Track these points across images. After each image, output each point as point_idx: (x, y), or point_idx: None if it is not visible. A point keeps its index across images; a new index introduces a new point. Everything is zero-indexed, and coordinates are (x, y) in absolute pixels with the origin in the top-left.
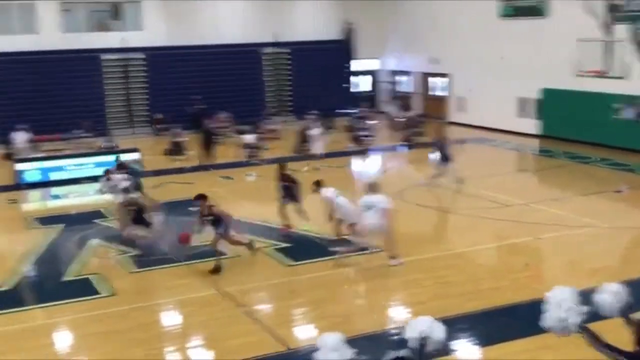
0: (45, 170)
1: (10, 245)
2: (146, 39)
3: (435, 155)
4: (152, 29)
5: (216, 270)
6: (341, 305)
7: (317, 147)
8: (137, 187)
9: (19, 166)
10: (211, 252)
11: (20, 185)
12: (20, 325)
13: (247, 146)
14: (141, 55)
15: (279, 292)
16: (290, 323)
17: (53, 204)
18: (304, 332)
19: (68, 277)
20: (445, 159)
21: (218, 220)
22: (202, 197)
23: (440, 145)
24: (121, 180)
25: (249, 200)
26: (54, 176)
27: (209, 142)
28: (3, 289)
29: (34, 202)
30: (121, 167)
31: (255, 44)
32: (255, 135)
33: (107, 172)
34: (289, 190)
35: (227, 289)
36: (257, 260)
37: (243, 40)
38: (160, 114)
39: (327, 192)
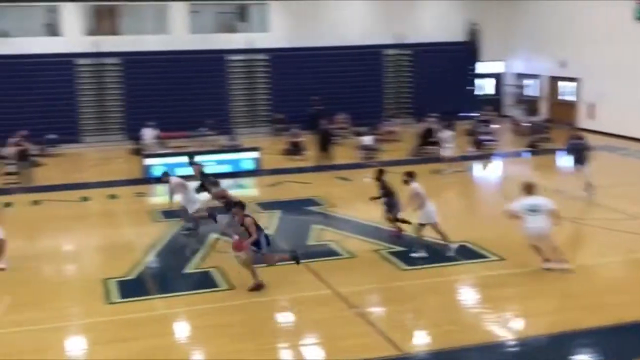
0: (171, 166)
1: (137, 237)
2: (270, 41)
3: (570, 160)
4: (277, 31)
5: (256, 288)
6: (456, 313)
7: (447, 150)
8: (214, 185)
9: (147, 161)
10: (327, 251)
11: (148, 180)
12: (143, 313)
13: (364, 148)
14: (265, 57)
15: (393, 295)
16: (404, 328)
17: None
18: (417, 338)
19: (189, 269)
20: (579, 161)
21: (248, 233)
22: (239, 206)
23: (575, 147)
24: (178, 184)
25: (364, 202)
26: (178, 172)
27: (326, 142)
28: (129, 278)
29: (160, 196)
30: (192, 162)
31: (376, 46)
32: (372, 136)
33: (165, 174)
34: (386, 199)
35: (340, 289)
36: (372, 263)
37: (365, 42)
38: (281, 114)
39: (418, 186)
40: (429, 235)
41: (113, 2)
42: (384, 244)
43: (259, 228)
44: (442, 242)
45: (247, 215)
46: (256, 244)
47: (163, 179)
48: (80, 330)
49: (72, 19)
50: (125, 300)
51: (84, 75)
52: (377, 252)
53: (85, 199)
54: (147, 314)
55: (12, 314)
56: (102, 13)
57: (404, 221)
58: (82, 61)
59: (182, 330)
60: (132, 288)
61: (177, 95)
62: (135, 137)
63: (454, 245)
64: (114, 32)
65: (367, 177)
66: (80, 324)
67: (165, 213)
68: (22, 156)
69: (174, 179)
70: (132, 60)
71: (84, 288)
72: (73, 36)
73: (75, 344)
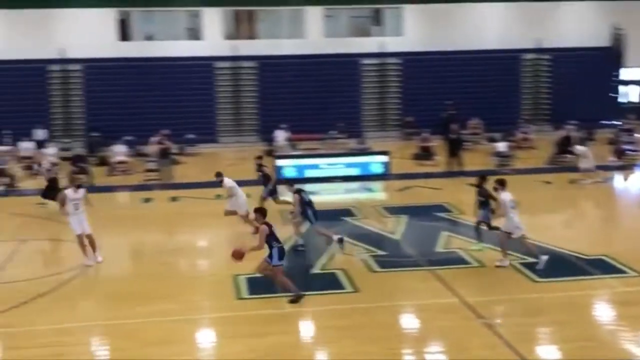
0: (301, 168)
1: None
2: (404, 44)
3: None
4: (411, 34)
5: (295, 300)
6: (591, 329)
7: (584, 163)
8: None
9: (279, 162)
10: (456, 259)
11: (279, 180)
12: (270, 310)
13: (497, 154)
14: (398, 60)
15: (524, 307)
16: (533, 341)
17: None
18: (548, 353)
19: (316, 269)
20: None
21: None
22: (259, 212)
23: None
24: (231, 186)
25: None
26: (308, 173)
27: (457, 148)
28: (257, 275)
29: (290, 197)
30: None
31: (514, 50)
32: (507, 143)
33: (218, 174)
34: (483, 206)
35: (468, 298)
36: (502, 273)
37: (502, 46)
38: (411, 117)
39: (507, 195)
40: (557, 245)
41: (252, 6)
42: (515, 254)
43: (276, 240)
44: (529, 254)
45: (265, 224)
46: (270, 256)
47: (217, 179)
48: (209, 323)
49: (212, 23)
50: (253, 296)
51: (222, 77)
52: (510, 263)
53: (219, 196)
54: (274, 311)
55: (143, 305)
56: (241, 17)
57: (495, 228)
58: (220, 64)
59: (307, 329)
60: (260, 285)
61: (309, 98)
62: (268, 138)
63: (544, 258)
64: (251, 36)
65: None
66: (209, 318)
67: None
68: (163, 154)
69: (227, 181)
70: (268, 64)
71: (215, 283)
72: (213, 40)
73: (203, 336)
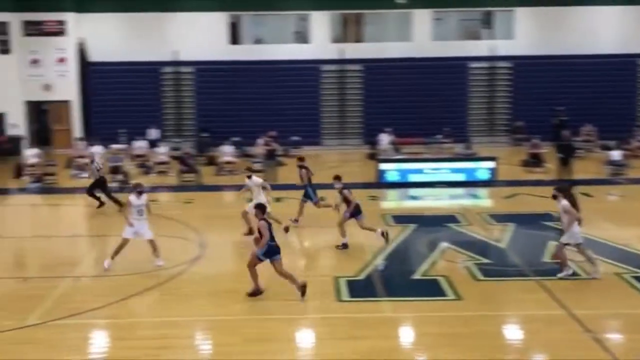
0: (404, 172)
1: (367, 239)
2: (515, 48)
3: None
4: (522, 38)
5: (252, 294)
6: None
7: None
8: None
9: (382, 166)
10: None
11: (381, 184)
12: (371, 314)
13: (611, 163)
14: (508, 64)
15: (636, 323)
16: None
17: (409, 204)
18: None
19: (417, 275)
20: None
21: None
22: (259, 208)
23: None
24: (257, 184)
25: (610, 221)
26: (412, 178)
27: (568, 155)
28: (358, 278)
29: (392, 201)
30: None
31: (631, 55)
32: (621, 151)
33: (248, 169)
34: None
35: (576, 311)
36: (614, 286)
37: (617, 50)
38: (521, 122)
39: (567, 204)
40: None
41: (360, 10)
42: (629, 267)
43: (270, 238)
44: (589, 262)
45: (264, 219)
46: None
47: (247, 175)
48: (309, 323)
49: (320, 27)
50: (354, 299)
51: (328, 80)
52: (620, 276)
53: (321, 199)
54: (374, 315)
55: (245, 302)
56: (349, 21)
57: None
58: (326, 67)
59: (407, 335)
60: (361, 288)
61: (414, 102)
62: (371, 141)
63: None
64: (358, 39)
65: (612, 195)
66: (309, 318)
67: (396, 217)
68: (269, 155)
69: (255, 179)
70: (374, 67)
71: (316, 284)
72: (320, 43)
73: (304, 336)
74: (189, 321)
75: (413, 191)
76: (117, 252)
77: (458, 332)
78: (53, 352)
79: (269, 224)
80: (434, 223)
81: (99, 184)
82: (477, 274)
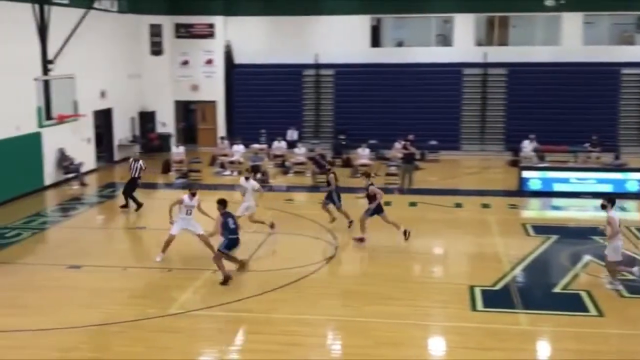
0: (548, 181)
1: (505, 249)
2: None
3: None
4: None
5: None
6: None
7: None
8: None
9: (524, 174)
10: None
11: (523, 192)
12: (506, 325)
13: None
14: None
15: None
16: None
17: (551, 214)
18: None
19: (557, 289)
20: None
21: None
22: (220, 203)
23: None
24: (253, 187)
25: None
26: (557, 187)
27: None
28: (494, 288)
29: (533, 210)
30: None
31: None
32: None
33: (254, 167)
34: None
35: None
36: None
37: None
38: None
39: (615, 215)
40: None
41: (506, 12)
42: None
43: (230, 232)
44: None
45: (225, 214)
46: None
47: (245, 176)
48: (442, 331)
49: (464, 29)
50: (489, 309)
51: (470, 84)
52: None
53: (458, 205)
54: (509, 326)
55: (377, 305)
56: (493, 24)
57: None
58: (468, 71)
59: (543, 349)
60: (496, 299)
61: (560, 108)
62: (513, 148)
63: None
64: (502, 42)
65: None
66: (442, 325)
67: (536, 228)
68: (407, 159)
69: (251, 182)
70: (518, 71)
71: (450, 292)
72: (463, 46)
73: (436, 343)
74: (320, 320)
75: (556, 201)
76: (166, 246)
77: (597, 349)
78: (191, 341)
79: (229, 219)
80: (577, 235)
81: (132, 183)
82: (623, 290)
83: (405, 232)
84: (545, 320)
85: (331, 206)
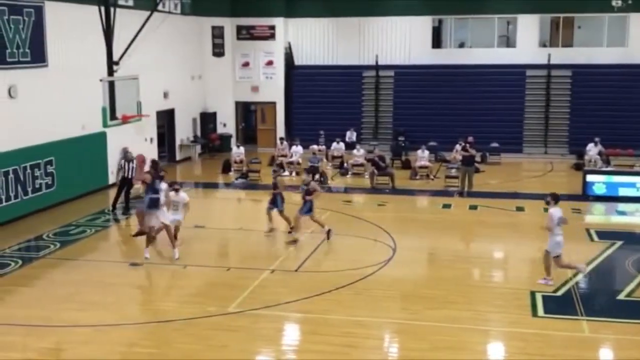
0: (613, 185)
1: (568, 254)
2: None
3: None
4: None
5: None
6: None
7: None
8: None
9: (589, 178)
10: None
11: (587, 197)
12: (568, 333)
13: None
14: None
15: None
16: None
17: (616, 219)
18: None
19: (622, 296)
20: None
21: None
22: (152, 164)
23: None
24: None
25: None
26: (622, 192)
27: None
28: (555, 294)
29: (597, 215)
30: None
31: None
32: None
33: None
34: None
35: None
36: None
37: None
38: None
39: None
40: None
41: (571, 13)
42: None
43: (152, 191)
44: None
45: (151, 175)
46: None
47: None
48: (501, 336)
49: (527, 30)
50: (549, 315)
51: (533, 86)
52: None
53: (520, 208)
54: (571, 334)
55: (435, 309)
56: (558, 25)
57: None
58: (531, 72)
59: (607, 357)
60: (557, 305)
61: (626, 111)
62: (578, 151)
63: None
64: (567, 43)
65: None
66: (501, 331)
67: (600, 233)
68: (466, 162)
69: (164, 186)
70: (583, 73)
71: (510, 297)
72: (526, 47)
73: (495, 349)
74: (376, 322)
75: (621, 206)
76: (172, 241)
77: None
78: (249, 340)
79: (153, 181)
80: None
81: (125, 184)
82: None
83: (328, 232)
84: (608, 328)
85: (274, 211)
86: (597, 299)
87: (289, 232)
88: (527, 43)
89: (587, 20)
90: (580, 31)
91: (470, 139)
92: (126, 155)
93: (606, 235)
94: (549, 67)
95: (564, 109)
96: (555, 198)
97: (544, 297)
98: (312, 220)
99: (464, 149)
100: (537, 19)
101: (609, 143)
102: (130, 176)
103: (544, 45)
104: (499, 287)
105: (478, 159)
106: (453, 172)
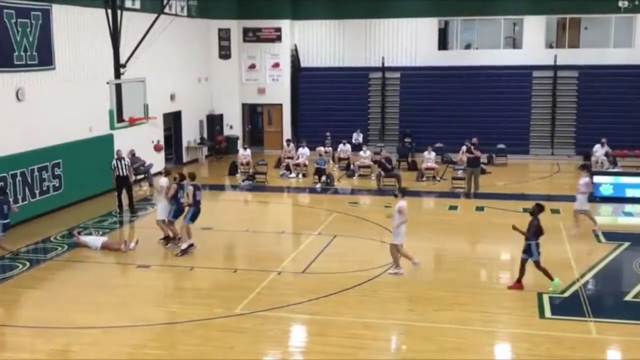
0: (620, 186)
1: (575, 255)
2: None
3: None
4: None
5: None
6: None
7: None
8: None
9: (596, 179)
10: None
11: (594, 198)
12: (575, 334)
13: None
14: None
15: None
16: None
17: (623, 220)
18: None
19: (629, 297)
20: None
21: None
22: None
23: None
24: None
25: None
26: (629, 193)
27: None
28: (563, 296)
29: (604, 216)
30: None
31: None
32: None
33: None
34: None
35: None
36: None
37: None
38: None
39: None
40: None
41: (577, 14)
42: None
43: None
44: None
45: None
46: None
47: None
48: (508, 338)
49: (533, 31)
50: (557, 317)
51: (539, 87)
52: None
53: (527, 210)
54: (578, 335)
55: (442, 310)
56: (564, 26)
57: None
58: (538, 73)
59: (614, 359)
60: (565, 306)
61: (633, 112)
62: (584, 152)
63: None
64: (573, 44)
65: None
66: (508, 332)
67: (607, 234)
68: (471, 163)
69: (162, 180)
70: (590, 74)
71: (517, 298)
72: (532, 49)
73: (502, 350)
74: (384, 324)
75: (629, 207)
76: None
77: None
78: (256, 341)
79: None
80: None
81: (123, 181)
82: None
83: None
84: (615, 329)
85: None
86: (604, 300)
87: (177, 243)
88: (533, 44)
89: (593, 21)
90: (586, 32)
91: (474, 140)
92: (117, 154)
93: (613, 236)
94: (555, 68)
95: (571, 110)
96: (403, 192)
97: (551, 299)
98: None
99: (468, 150)
100: (543, 20)
101: (615, 144)
102: (124, 174)
103: (551, 46)
104: (503, 288)
105: (484, 160)
106: (459, 173)
